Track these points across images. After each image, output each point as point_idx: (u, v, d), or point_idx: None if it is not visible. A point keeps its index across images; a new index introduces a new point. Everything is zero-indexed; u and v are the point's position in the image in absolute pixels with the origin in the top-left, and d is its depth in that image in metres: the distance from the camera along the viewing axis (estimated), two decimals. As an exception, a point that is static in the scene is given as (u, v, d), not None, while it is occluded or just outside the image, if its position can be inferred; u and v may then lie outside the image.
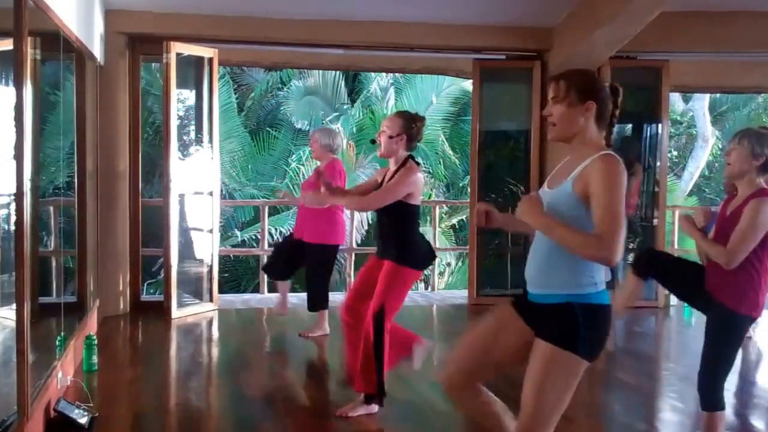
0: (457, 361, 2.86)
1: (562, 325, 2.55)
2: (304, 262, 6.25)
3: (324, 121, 14.24)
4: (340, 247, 6.41)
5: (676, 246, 9.36)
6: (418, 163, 4.29)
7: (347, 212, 6.58)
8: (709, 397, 3.49)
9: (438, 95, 14.54)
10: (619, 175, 2.45)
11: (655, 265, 3.78)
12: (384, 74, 14.34)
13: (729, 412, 3.62)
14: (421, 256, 4.35)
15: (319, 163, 6.31)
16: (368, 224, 12.84)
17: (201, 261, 7.41)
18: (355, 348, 4.33)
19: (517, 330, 2.71)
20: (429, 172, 14.04)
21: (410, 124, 4.24)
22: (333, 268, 6.46)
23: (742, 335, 3.48)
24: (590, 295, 2.55)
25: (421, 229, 4.46)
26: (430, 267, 8.72)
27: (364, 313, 4.28)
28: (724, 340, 3.45)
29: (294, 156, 14.23)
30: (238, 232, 13.26)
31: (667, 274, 3.78)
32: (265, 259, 9.03)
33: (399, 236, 4.24)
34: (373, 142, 4.42)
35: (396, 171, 4.24)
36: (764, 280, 3.42)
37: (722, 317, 3.42)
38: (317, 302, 6.26)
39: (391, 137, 4.21)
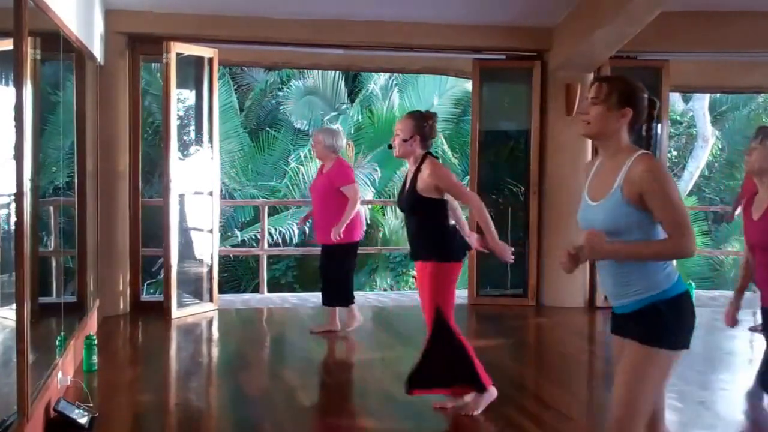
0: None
1: (650, 325, 2.63)
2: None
3: (324, 121, 14.24)
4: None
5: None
6: (436, 158, 4.32)
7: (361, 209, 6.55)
8: None
9: (441, 96, 14.51)
10: (666, 171, 2.65)
11: None
12: (384, 75, 14.34)
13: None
14: (458, 246, 4.33)
15: (321, 162, 6.31)
16: (367, 223, 12.83)
17: (201, 261, 7.40)
18: None
19: None
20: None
21: (422, 123, 4.27)
22: (355, 265, 6.47)
23: None
24: (669, 290, 2.63)
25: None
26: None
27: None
28: None
29: (293, 156, 14.23)
30: (238, 232, 13.26)
31: None
32: (265, 259, 9.06)
33: (431, 232, 4.24)
34: (390, 147, 4.42)
35: (417, 170, 4.24)
36: None
37: None
38: (335, 298, 6.26)
39: (405, 140, 4.24)
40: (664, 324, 2.61)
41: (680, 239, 2.53)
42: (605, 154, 2.74)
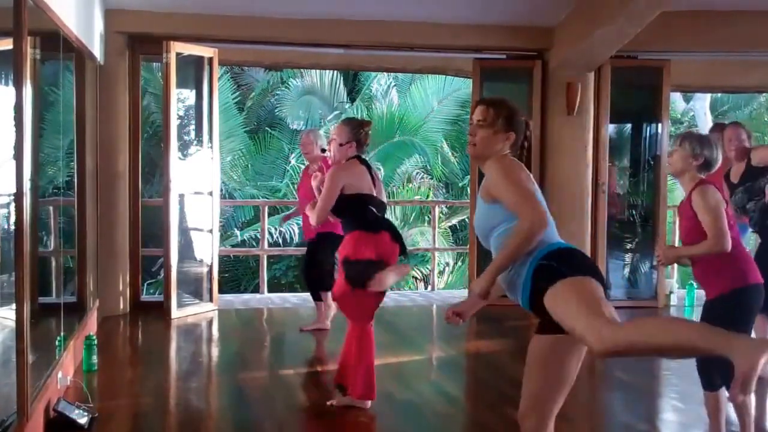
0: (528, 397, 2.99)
1: (538, 279, 2.61)
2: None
3: (321, 121, 14.26)
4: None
5: (676, 245, 9.34)
6: (363, 161, 4.41)
7: None
8: (710, 377, 3.58)
9: (444, 97, 14.47)
10: (503, 161, 2.74)
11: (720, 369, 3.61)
12: (385, 74, 14.33)
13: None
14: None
15: (308, 163, 6.31)
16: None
17: (201, 261, 7.40)
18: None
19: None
20: (426, 171, 14.04)
21: (358, 130, 4.40)
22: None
23: (751, 305, 3.52)
24: (542, 250, 2.61)
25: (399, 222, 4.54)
26: (429, 267, 8.63)
27: None
28: (729, 318, 3.39)
29: (293, 155, 14.23)
30: (238, 232, 13.26)
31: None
32: (265, 259, 9.05)
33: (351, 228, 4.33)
34: (324, 150, 4.50)
35: None
36: (742, 248, 3.61)
37: (732, 298, 3.47)
38: (320, 286, 6.29)
39: (341, 145, 4.36)
40: (547, 268, 2.56)
41: (527, 214, 2.56)
42: (484, 169, 2.83)
